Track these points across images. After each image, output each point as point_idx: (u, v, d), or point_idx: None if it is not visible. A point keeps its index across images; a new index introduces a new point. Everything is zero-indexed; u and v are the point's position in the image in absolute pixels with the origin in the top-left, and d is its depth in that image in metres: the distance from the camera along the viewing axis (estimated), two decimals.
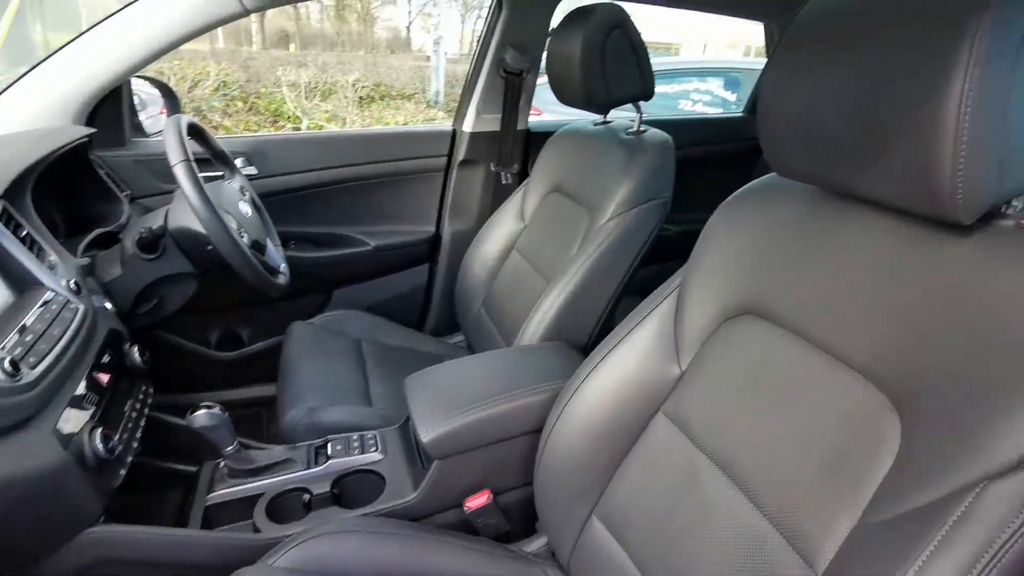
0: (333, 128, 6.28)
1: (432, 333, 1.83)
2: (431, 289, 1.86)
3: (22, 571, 0.81)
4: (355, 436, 1.08)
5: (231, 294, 1.40)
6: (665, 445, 0.79)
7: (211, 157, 1.26)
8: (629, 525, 0.80)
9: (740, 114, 2.27)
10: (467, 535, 0.92)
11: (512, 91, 1.68)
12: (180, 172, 1.00)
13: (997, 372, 0.49)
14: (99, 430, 0.83)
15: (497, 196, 1.78)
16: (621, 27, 1.26)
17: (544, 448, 0.90)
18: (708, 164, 2.05)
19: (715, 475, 0.71)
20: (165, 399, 1.21)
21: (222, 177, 1.28)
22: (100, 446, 0.81)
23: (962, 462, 0.48)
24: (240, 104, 6.56)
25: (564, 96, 1.39)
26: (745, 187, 0.83)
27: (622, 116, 1.43)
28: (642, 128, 1.33)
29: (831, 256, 0.66)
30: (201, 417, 0.93)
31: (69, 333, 0.83)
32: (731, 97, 4.58)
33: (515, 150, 1.77)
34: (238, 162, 1.50)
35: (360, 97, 7.68)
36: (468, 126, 1.73)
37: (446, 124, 1.81)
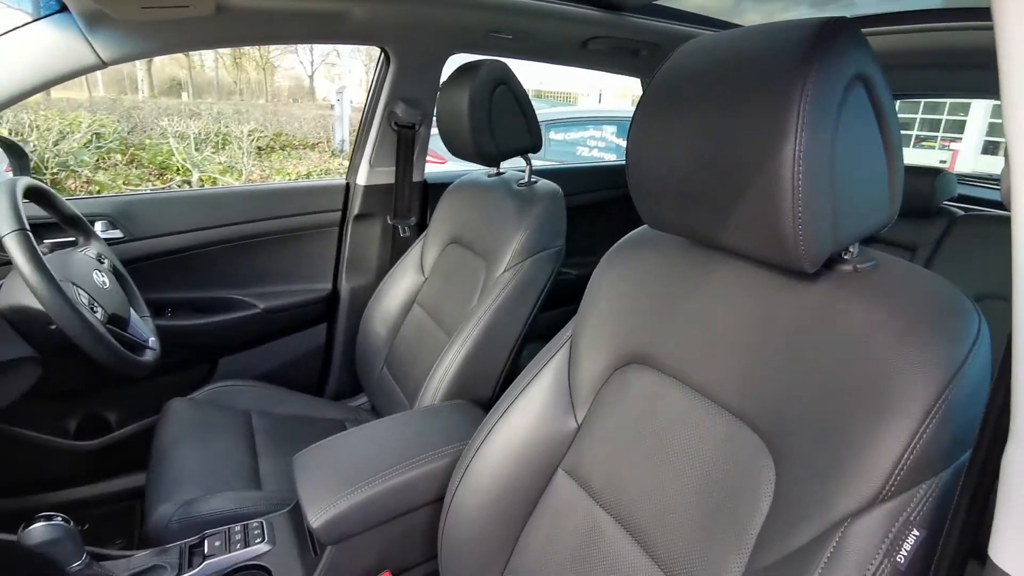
0: (232, 181, 6.00)
1: (333, 397, 1.72)
2: (330, 351, 1.75)
3: None
4: (237, 527, 0.96)
5: (93, 374, 1.23)
6: (567, 503, 0.77)
7: (60, 223, 1.13)
8: None
9: (622, 162, 2.38)
10: None
11: (405, 144, 1.66)
12: (11, 243, 0.88)
13: (846, 413, 0.51)
14: None
15: (396, 249, 1.74)
16: (505, 83, 1.29)
17: (446, 518, 0.85)
18: (596, 209, 2.12)
19: (615, 529, 0.70)
20: (8, 504, 1.03)
21: (74, 244, 1.14)
22: None
23: (827, 501, 0.50)
24: (119, 157, 6.10)
25: (455, 149, 1.38)
26: (622, 240, 0.84)
27: (516, 166, 1.45)
28: (533, 179, 1.34)
29: (701, 304, 0.68)
30: (37, 532, 0.78)
31: None
32: (623, 143, 4.94)
33: (412, 202, 1.74)
34: (99, 226, 1.36)
35: (259, 148, 7.44)
36: (362, 179, 1.68)
37: (338, 178, 1.76)
